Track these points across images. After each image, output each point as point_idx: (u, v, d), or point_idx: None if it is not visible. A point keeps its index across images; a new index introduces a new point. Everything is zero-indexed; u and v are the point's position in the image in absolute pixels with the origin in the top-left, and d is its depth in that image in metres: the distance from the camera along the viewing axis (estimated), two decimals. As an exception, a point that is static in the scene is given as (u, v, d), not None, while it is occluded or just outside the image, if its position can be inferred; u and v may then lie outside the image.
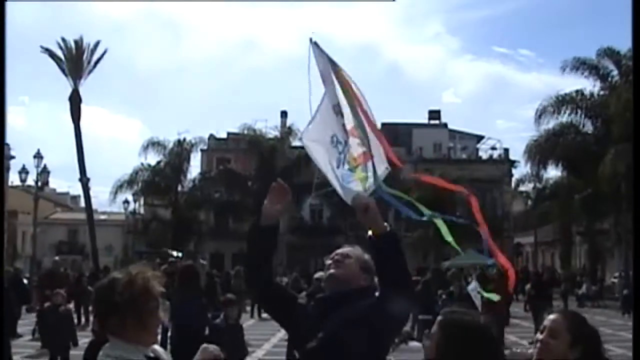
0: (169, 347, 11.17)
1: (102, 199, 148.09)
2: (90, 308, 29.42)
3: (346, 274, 4.72)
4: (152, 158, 63.72)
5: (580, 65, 45.95)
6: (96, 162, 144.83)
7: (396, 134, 73.03)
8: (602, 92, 45.70)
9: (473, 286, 24.37)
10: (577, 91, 46.13)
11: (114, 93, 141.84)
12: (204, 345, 4.23)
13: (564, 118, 46.19)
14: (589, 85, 46.45)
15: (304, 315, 4.67)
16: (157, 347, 4.03)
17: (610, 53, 45.89)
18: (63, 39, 56.50)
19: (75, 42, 56.79)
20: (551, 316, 4.46)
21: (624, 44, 44.06)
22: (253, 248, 4.94)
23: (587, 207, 46.57)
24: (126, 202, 63.41)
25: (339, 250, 4.85)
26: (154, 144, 63.09)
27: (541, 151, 46.82)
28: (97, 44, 57.58)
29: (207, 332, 11.37)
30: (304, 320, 4.64)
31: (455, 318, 3.92)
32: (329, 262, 4.81)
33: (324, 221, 70.19)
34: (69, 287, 26.99)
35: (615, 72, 45.81)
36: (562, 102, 45.78)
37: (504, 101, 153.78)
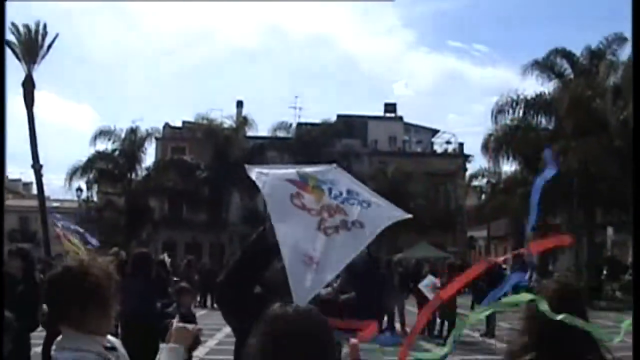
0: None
1: (55, 186, 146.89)
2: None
3: None
4: (104, 146, 63.30)
5: (539, 67, 46.32)
6: (48, 148, 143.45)
7: (351, 126, 73.07)
8: (555, 89, 46.15)
9: (427, 282, 24.66)
10: (536, 95, 46.47)
11: (66, 79, 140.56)
12: (180, 325, 4.06)
13: (519, 114, 46.52)
14: (545, 84, 46.89)
15: (261, 304, 4.69)
16: (111, 337, 3.91)
17: (563, 53, 46.44)
18: (13, 24, 55.70)
19: (27, 26, 56.08)
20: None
21: (577, 45, 44.94)
22: (253, 261, 4.86)
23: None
24: (79, 189, 62.89)
25: None
26: (105, 133, 62.69)
27: (497, 146, 47.15)
28: (54, 33, 57.20)
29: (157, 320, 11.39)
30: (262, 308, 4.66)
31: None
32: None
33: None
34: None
35: (568, 71, 46.32)
36: (517, 101, 46.12)
37: (457, 95, 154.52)
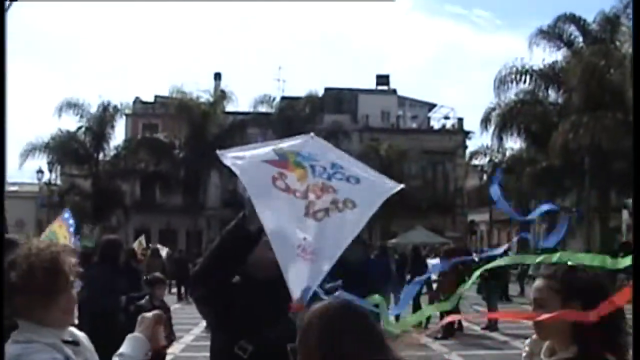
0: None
1: (12, 169, 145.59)
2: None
3: None
4: (69, 120, 62.83)
5: (545, 36, 46.08)
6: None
7: (340, 100, 73.00)
8: (565, 59, 45.94)
9: (438, 266, 24.96)
10: (544, 65, 46.23)
11: (25, 50, 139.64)
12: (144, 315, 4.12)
13: (525, 86, 46.33)
14: (554, 53, 46.65)
15: (239, 296, 4.65)
16: (76, 331, 3.98)
17: (572, 19, 46.20)
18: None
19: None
20: (535, 284, 4.06)
21: (588, 10, 44.84)
22: (233, 249, 4.80)
23: (546, 182, 46.79)
24: (40, 171, 62.46)
25: None
26: (71, 105, 62.08)
27: (500, 121, 47.01)
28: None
29: (123, 313, 11.33)
30: (241, 300, 4.63)
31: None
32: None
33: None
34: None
35: (579, 38, 46.12)
36: (523, 71, 45.92)
37: (456, 66, 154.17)
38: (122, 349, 3.88)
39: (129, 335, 3.96)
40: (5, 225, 11.78)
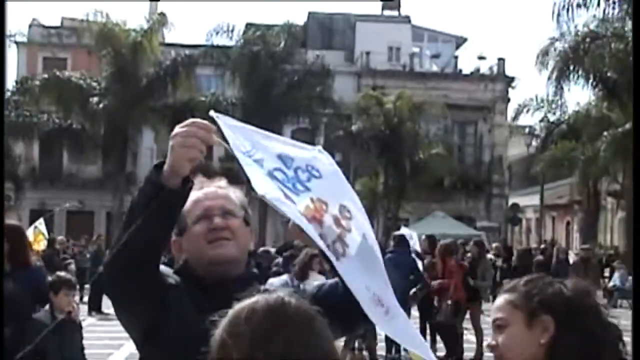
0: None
1: None
2: None
3: (242, 249, 4.68)
4: None
5: None
6: None
7: (330, 31, 72.84)
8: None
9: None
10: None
11: None
12: None
13: (598, 12, 45.82)
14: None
15: (177, 303, 4.52)
16: None
17: None
18: None
19: None
20: (495, 302, 4.02)
21: None
22: (148, 220, 4.24)
23: (627, 153, 46.02)
24: None
25: (216, 205, 4.65)
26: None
27: (560, 62, 46.49)
28: None
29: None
30: (179, 309, 4.50)
31: None
32: (209, 233, 4.57)
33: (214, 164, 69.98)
34: None
35: None
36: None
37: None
38: None
39: None
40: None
